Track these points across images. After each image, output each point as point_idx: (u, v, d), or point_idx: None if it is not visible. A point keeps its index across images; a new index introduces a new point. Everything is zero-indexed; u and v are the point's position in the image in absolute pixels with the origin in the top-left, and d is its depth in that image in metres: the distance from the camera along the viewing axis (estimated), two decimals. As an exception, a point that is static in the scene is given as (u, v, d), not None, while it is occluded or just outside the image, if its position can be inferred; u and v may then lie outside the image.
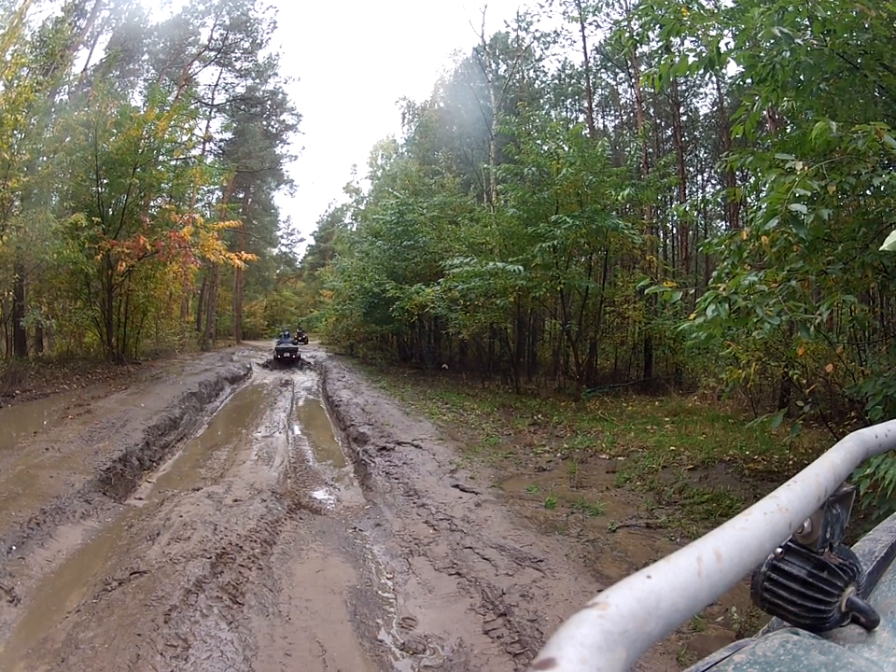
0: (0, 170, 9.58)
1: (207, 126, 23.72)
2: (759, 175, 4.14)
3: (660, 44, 4.59)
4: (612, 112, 20.57)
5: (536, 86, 21.39)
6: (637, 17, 4.64)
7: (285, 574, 3.49)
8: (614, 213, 10.40)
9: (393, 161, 29.27)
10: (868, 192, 3.54)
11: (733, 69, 11.82)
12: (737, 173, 11.94)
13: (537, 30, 22.66)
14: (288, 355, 17.50)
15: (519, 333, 14.09)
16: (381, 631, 3.03)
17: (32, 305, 11.80)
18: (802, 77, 3.88)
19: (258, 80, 26.00)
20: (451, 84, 24.46)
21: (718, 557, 0.32)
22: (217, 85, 24.81)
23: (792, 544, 0.54)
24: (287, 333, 22.90)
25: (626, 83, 18.62)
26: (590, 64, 18.48)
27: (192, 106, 16.43)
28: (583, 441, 6.81)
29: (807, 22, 3.75)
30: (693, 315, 3.76)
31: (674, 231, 17.66)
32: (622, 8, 15.85)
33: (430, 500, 4.70)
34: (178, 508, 4.36)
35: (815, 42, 3.59)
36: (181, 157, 14.04)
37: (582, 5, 17.53)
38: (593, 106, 19.01)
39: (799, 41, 3.46)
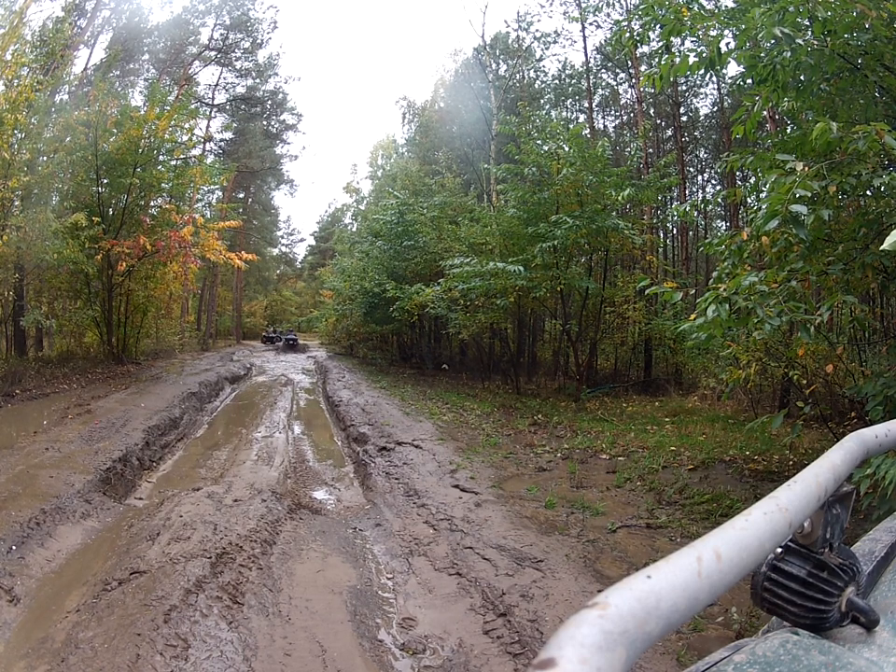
0: (0, 169, 9.58)
1: (207, 126, 23.79)
2: (759, 175, 4.14)
3: (660, 44, 4.59)
4: (613, 112, 20.59)
5: (536, 86, 21.41)
6: (637, 17, 4.64)
7: (285, 574, 3.49)
8: (614, 213, 10.40)
9: (393, 161, 29.30)
10: (868, 193, 3.54)
11: (733, 69, 11.86)
12: (738, 173, 11.96)
13: (537, 30, 22.73)
14: (293, 343, 27.17)
15: (519, 333, 14.10)
16: (381, 631, 3.03)
17: (32, 305, 11.79)
18: (802, 78, 3.88)
19: (258, 80, 26.07)
20: (451, 84, 24.51)
21: (718, 557, 0.32)
22: (217, 85, 24.89)
23: (792, 544, 0.54)
24: (287, 333, 29.41)
25: (627, 83, 18.65)
26: (590, 65, 18.51)
27: (193, 106, 16.40)
28: (583, 441, 6.81)
29: (808, 23, 3.75)
30: (693, 316, 3.76)
31: (674, 232, 17.67)
32: (622, 8, 15.86)
33: (430, 500, 4.69)
34: (178, 508, 4.35)
35: (815, 42, 3.59)
36: (181, 157, 14.01)
37: (583, 5, 17.55)
38: (593, 106, 19.02)
39: (800, 41, 3.45)
